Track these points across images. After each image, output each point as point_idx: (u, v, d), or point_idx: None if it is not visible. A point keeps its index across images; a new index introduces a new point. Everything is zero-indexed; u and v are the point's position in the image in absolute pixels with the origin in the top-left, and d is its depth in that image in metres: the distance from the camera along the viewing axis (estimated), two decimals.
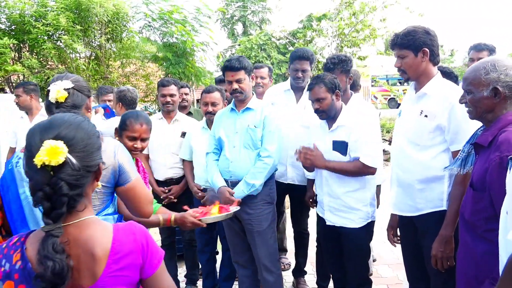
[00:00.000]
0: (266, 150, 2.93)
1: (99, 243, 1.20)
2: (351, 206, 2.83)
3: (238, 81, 2.95)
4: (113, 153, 1.82)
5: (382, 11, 10.68)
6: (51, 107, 1.81)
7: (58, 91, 1.78)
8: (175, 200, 3.57)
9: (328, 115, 2.84)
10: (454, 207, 2.23)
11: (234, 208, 2.64)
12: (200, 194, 3.46)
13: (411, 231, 2.54)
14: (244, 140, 2.99)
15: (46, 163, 1.11)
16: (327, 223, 2.93)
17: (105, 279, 1.19)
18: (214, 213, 2.52)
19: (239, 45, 11.91)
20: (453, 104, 2.26)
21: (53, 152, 1.11)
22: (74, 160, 1.15)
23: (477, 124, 2.05)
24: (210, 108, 3.42)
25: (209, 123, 3.49)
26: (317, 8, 11.85)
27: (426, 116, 2.35)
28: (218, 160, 3.13)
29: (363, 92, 24.97)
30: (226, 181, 3.05)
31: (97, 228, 1.23)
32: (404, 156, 2.47)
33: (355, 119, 2.86)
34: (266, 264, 3.03)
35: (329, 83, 2.80)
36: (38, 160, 1.11)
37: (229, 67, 2.98)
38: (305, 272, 3.90)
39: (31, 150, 1.15)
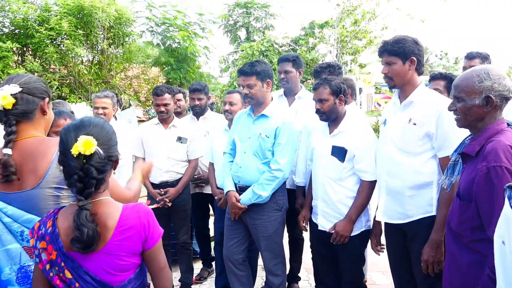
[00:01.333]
0: (277, 163, 2.92)
1: (111, 216, 1.50)
2: (343, 214, 2.80)
3: (249, 87, 2.95)
4: None
5: (384, 20, 10.73)
6: (2, 115, 1.69)
7: (3, 97, 1.65)
8: (169, 204, 3.60)
9: (328, 117, 2.84)
10: (444, 211, 2.24)
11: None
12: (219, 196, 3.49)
13: (398, 237, 2.54)
14: (254, 147, 2.99)
15: (82, 153, 1.41)
16: (319, 227, 2.92)
17: (111, 245, 1.48)
18: None
19: (242, 51, 11.95)
20: (440, 112, 2.28)
21: (87, 144, 1.42)
22: (101, 151, 1.46)
23: (464, 131, 2.05)
24: (227, 107, 3.53)
25: (230, 123, 3.56)
26: (320, 15, 11.88)
27: (414, 124, 2.36)
28: (232, 161, 3.17)
29: (366, 99, 25.00)
30: (235, 185, 3.08)
31: (111, 206, 1.54)
32: (393, 164, 2.47)
33: (357, 127, 2.85)
34: (271, 268, 3.05)
35: (334, 86, 2.81)
36: (76, 150, 1.41)
37: (241, 71, 3.00)
38: (299, 278, 3.89)
39: (67, 143, 1.45)
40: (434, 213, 2.35)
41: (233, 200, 2.97)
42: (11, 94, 1.66)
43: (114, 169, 1.58)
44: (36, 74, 6.96)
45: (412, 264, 2.43)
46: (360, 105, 21.32)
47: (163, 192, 3.63)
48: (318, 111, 2.85)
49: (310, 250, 3.35)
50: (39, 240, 1.49)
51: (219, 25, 17.17)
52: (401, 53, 2.37)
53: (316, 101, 2.86)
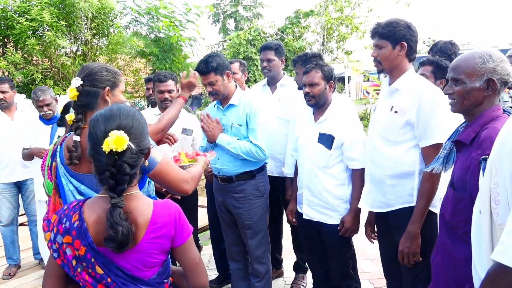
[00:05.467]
0: (259, 145, 2.88)
1: (142, 214, 1.43)
2: (329, 202, 2.78)
3: (211, 84, 2.90)
4: None
5: (370, 10, 10.71)
6: (72, 105, 1.89)
7: (70, 90, 1.82)
8: (179, 197, 3.49)
9: (317, 101, 2.78)
10: (422, 203, 2.20)
11: (209, 156, 2.53)
12: None
13: (385, 227, 2.52)
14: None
15: (114, 150, 1.34)
16: (304, 216, 2.89)
17: (143, 244, 1.42)
18: (184, 161, 2.52)
19: (229, 40, 11.85)
20: (421, 100, 2.21)
21: (119, 141, 1.34)
22: (133, 146, 1.39)
23: (446, 120, 2.00)
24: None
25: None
26: (305, 4, 11.76)
27: (396, 112, 2.30)
28: None
29: (355, 87, 25.05)
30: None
31: (141, 201, 1.47)
32: (376, 152, 2.43)
33: (343, 114, 2.81)
34: (257, 256, 3.05)
35: (326, 71, 2.78)
36: (107, 147, 1.34)
37: (198, 71, 2.92)
38: (307, 269, 3.74)
39: (97, 137, 1.38)
40: (414, 204, 2.30)
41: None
42: (75, 88, 1.81)
43: (146, 159, 1.53)
44: (18, 66, 6.81)
45: (398, 253, 2.42)
46: (349, 93, 21.33)
47: None
48: (307, 95, 2.79)
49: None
50: (61, 234, 1.41)
51: (208, 16, 16.99)
52: (391, 37, 2.28)
53: (306, 84, 2.79)
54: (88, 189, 1.79)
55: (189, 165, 2.45)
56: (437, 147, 2.18)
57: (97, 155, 1.38)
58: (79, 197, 1.78)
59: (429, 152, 2.22)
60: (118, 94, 1.93)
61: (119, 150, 1.34)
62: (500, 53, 1.75)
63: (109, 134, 1.35)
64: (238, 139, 2.90)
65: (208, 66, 2.85)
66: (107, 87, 1.87)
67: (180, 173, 1.93)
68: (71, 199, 1.82)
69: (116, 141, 1.34)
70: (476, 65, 1.73)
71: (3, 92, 3.99)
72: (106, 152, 1.34)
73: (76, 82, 1.81)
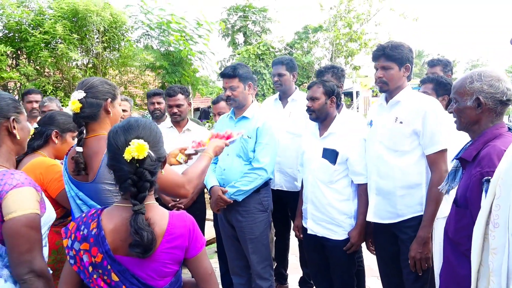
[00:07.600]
0: (259, 162, 2.94)
1: (158, 224, 1.49)
2: (334, 217, 2.79)
3: (232, 89, 2.98)
4: None
5: (377, 24, 10.80)
6: (73, 117, 1.96)
7: (73, 103, 1.89)
8: (182, 207, 3.49)
9: (317, 116, 2.84)
10: (431, 208, 2.27)
11: (236, 135, 2.44)
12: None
13: (387, 239, 2.55)
14: (237, 148, 3.00)
15: (135, 157, 1.41)
16: (309, 231, 2.90)
17: (158, 253, 1.48)
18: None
19: (239, 54, 11.96)
20: (425, 110, 2.33)
21: (140, 149, 1.42)
22: (152, 154, 1.47)
23: (452, 128, 2.04)
24: (218, 118, 3.52)
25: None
26: (314, 19, 11.93)
27: (401, 122, 2.40)
28: (216, 163, 3.19)
29: (364, 102, 25.00)
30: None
31: (157, 211, 1.53)
32: (383, 164, 2.49)
33: (348, 129, 2.85)
34: (259, 271, 3.04)
35: (328, 86, 2.84)
36: (129, 155, 1.41)
37: (223, 74, 3.03)
38: (312, 285, 3.73)
39: (118, 147, 1.45)
40: (423, 213, 2.38)
41: (219, 193, 2.97)
42: (78, 100, 1.89)
43: (162, 169, 1.61)
44: (30, 78, 6.91)
45: (402, 266, 2.44)
46: (357, 108, 21.33)
47: (177, 199, 3.51)
48: (308, 109, 2.87)
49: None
50: (79, 241, 1.46)
51: (219, 32, 17.17)
52: (398, 59, 2.41)
53: (308, 99, 2.87)
54: (86, 197, 1.87)
55: (204, 149, 2.36)
56: (442, 153, 2.29)
57: (118, 164, 1.45)
58: (80, 202, 1.89)
59: (435, 159, 2.31)
60: (117, 105, 2.02)
61: (140, 157, 1.42)
62: (494, 73, 1.79)
63: (130, 143, 1.43)
64: (234, 182, 2.95)
65: (235, 71, 2.96)
66: (109, 99, 1.95)
67: (175, 178, 1.93)
68: (73, 205, 1.91)
69: (138, 148, 1.41)
70: (465, 85, 1.82)
71: (37, 102, 4.23)
72: (128, 161, 1.42)
73: (79, 94, 1.90)
